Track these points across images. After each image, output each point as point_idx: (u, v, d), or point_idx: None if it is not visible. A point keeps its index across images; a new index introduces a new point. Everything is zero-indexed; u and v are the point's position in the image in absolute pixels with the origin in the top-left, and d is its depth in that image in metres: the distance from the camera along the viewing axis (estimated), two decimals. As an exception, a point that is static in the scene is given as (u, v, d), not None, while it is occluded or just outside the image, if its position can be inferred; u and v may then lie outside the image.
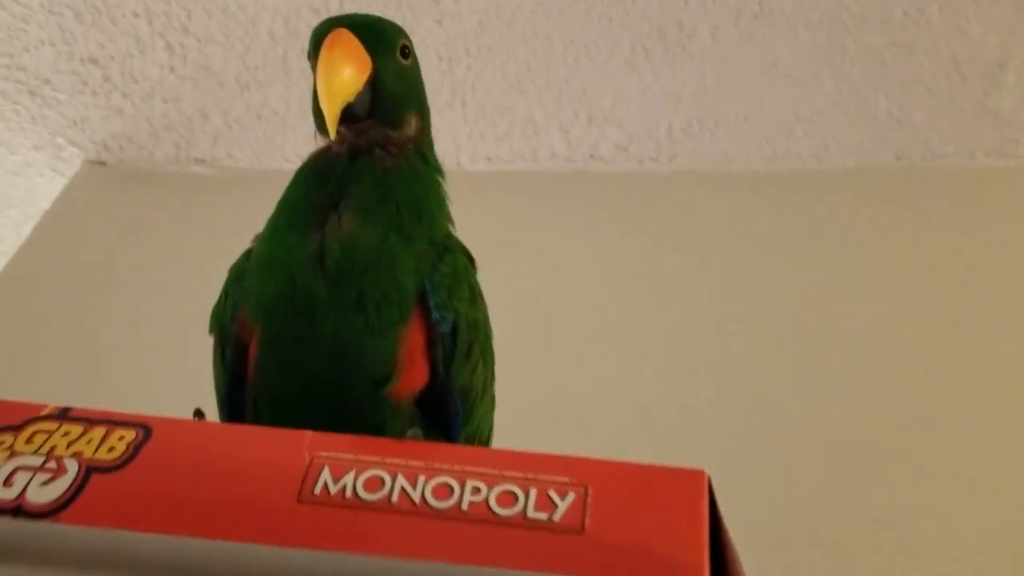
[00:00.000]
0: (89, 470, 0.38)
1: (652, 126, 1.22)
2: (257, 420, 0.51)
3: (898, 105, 1.18)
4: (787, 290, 1.13)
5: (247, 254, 0.55)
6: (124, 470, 0.38)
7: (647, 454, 0.40)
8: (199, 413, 0.49)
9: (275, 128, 1.28)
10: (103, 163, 1.36)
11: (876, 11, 1.08)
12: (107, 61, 1.22)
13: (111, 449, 0.39)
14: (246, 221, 0.56)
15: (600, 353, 1.08)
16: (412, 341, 0.51)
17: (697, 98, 1.18)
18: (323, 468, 0.38)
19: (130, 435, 0.40)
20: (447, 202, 0.56)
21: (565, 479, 0.38)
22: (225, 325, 0.54)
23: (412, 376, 0.51)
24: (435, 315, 0.51)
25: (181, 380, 0.69)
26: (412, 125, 0.54)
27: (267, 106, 1.26)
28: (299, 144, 1.29)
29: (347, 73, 0.48)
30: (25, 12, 1.17)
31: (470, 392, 0.55)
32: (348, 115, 0.49)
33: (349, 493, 0.37)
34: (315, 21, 1.20)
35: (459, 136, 1.26)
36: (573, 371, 1.05)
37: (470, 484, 0.38)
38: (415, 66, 0.55)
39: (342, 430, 0.42)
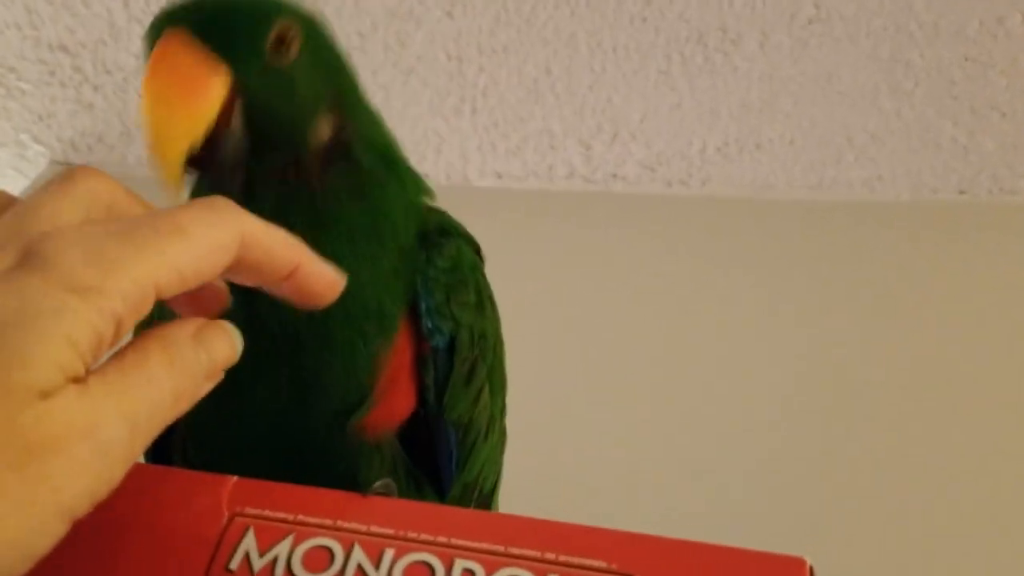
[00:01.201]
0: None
1: (684, 145, 1.09)
2: (186, 463, 0.41)
3: (966, 131, 1.05)
4: (828, 333, 1.04)
5: None
6: None
7: (683, 518, 0.29)
8: None
9: (261, 130, 1.15)
10: (70, 164, 1.23)
11: (949, 21, 0.95)
12: (78, 48, 1.10)
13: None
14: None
15: (617, 396, 1.00)
16: (396, 358, 0.39)
17: (737, 115, 1.05)
18: (246, 531, 0.29)
19: None
20: (412, 186, 0.42)
21: (602, 564, 0.27)
22: None
23: (393, 402, 0.39)
24: (427, 324, 0.40)
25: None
26: (325, 124, 0.38)
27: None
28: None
29: (179, 116, 0.33)
30: (-12, -11, 1.05)
31: (470, 428, 0.43)
32: (213, 157, 0.35)
33: (281, 571, 0.28)
34: (311, 8, 1.07)
35: (467, 147, 1.13)
36: (585, 416, 0.96)
37: (460, 566, 0.28)
38: (308, 58, 0.37)
39: (299, 478, 0.32)
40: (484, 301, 0.44)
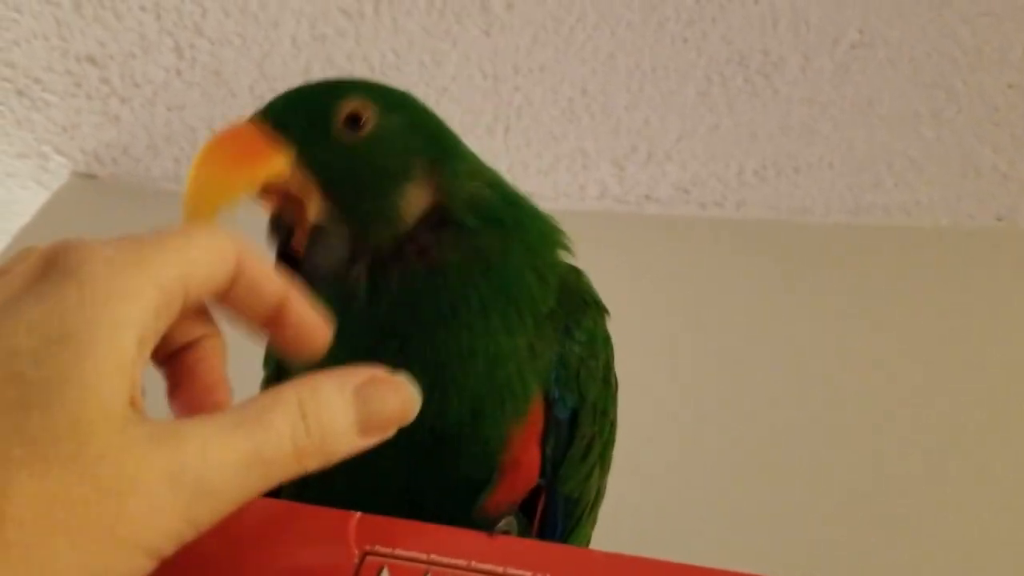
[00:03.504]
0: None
1: (720, 167, 1.08)
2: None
3: (1006, 159, 1.03)
4: (864, 358, 1.02)
5: None
6: None
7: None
8: None
9: (290, 147, 1.14)
10: (93, 176, 1.23)
11: (992, 47, 0.94)
12: (106, 61, 1.09)
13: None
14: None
15: (647, 420, 0.95)
16: (527, 430, 0.38)
17: (776, 138, 1.03)
18: (381, 572, 0.28)
19: None
20: (548, 238, 0.41)
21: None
22: (281, 367, 0.42)
23: (517, 479, 0.38)
24: (554, 393, 0.38)
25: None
26: (420, 194, 0.36)
27: (283, 121, 1.12)
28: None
29: (222, 174, 0.33)
30: (18, 1, 1.03)
31: (579, 502, 0.42)
32: (313, 256, 0.35)
33: (420, 613, 0.25)
34: (345, 26, 1.05)
35: (497, 166, 1.09)
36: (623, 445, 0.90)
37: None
38: (387, 131, 0.36)
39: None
40: (610, 377, 0.43)
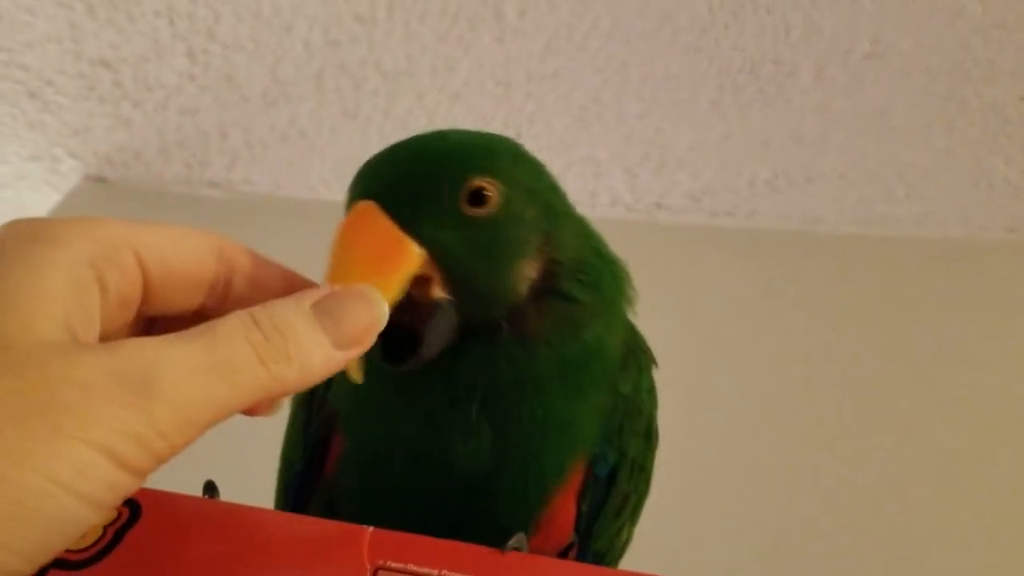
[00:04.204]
0: (47, 563, 0.26)
1: (732, 176, 1.08)
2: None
3: (1018, 170, 1.04)
4: (874, 369, 1.02)
5: None
6: (97, 566, 0.28)
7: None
8: (211, 488, 0.36)
9: (301, 151, 1.14)
10: (104, 179, 1.23)
11: (1005, 59, 0.94)
12: (119, 64, 1.09)
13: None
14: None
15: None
16: (566, 489, 0.37)
17: (788, 148, 1.04)
18: None
19: (109, 515, 0.29)
20: (625, 296, 0.40)
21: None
22: (317, 393, 0.40)
23: (551, 535, 0.37)
24: (595, 450, 0.37)
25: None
26: (534, 265, 0.35)
27: (294, 126, 1.12)
28: (326, 171, 1.15)
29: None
30: (32, 3, 1.04)
31: (606, 556, 0.41)
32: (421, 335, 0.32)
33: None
34: (358, 32, 1.05)
35: (509, 174, 1.11)
36: None
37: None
38: (512, 207, 0.34)
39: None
40: (652, 432, 0.42)
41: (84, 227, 0.25)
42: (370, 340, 0.27)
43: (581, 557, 0.38)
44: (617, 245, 1.23)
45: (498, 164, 0.35)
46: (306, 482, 0.40)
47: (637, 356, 0.40)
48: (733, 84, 0.99)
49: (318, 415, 0.39)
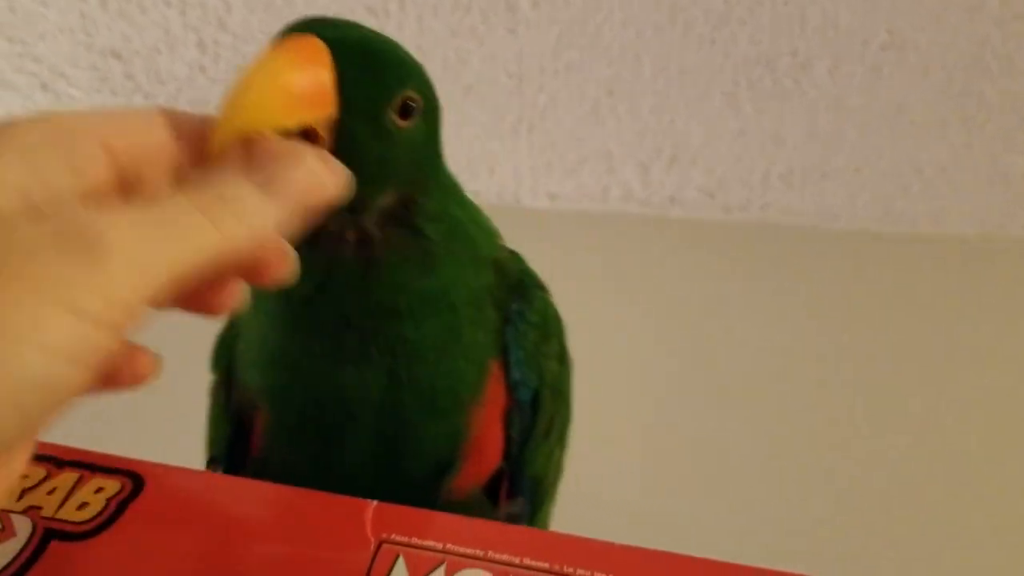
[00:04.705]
0: (48, 534, 0.28)
1: (746, 171, 1.07)
2: None
3: (1036, 166, 1.02)
4: (890, 366, 1.00)
5: (230, 326, 0.43)
6: (98, 539, 0.28)
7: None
8: (214, 460, 0.39)
9: (312, 144, 1.14)
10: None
11: (1024, 54, 0.93)
12: (131, 56, 1.09)
13: (83, 506, 0.29)
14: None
15: (669, 422, 0.96)
16: (487, 413, 0.38)
17: (803, 142, 1.03)
18: (396, 560, 0.27)
19: (112, 487, 0.30)
20: (483, 242, 0.40)
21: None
22: (231, 370, 0.41)
23: (481, 460, 0.39)
24: (515, 376, 0.38)
25: (185, 416, 0.53)
26: (387, 201, 0.35)
27: (306, 119, 1.12)
28: (338, 164, 1.14)
29: (282, 91, 0.29)
30: (44, -6, 1.04)
31: (542, 482, 0.42)
32: None
33: (438, 603, 0.26)
34: (370, 23, 1.06)
35: (521, 167, 1.11)
36: (636, 441, 0.93)
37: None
38: (422, 132, 0.35)
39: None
40: (564, 355, 0.43)
41: (42, 117, 0.24)
42: (310, 198, 0.26)
43: (516, 484, 0.39)
44: (630, 240, 1.22)
45: (428, 88, 0.35)
46: (232, 469, 0.41)
47: (537, 288, 0.41)
48: (748, 78, 0.98)
49: (234, 402, 0.40)
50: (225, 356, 0.42)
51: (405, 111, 0.33)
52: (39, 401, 0.21)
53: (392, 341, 0.35)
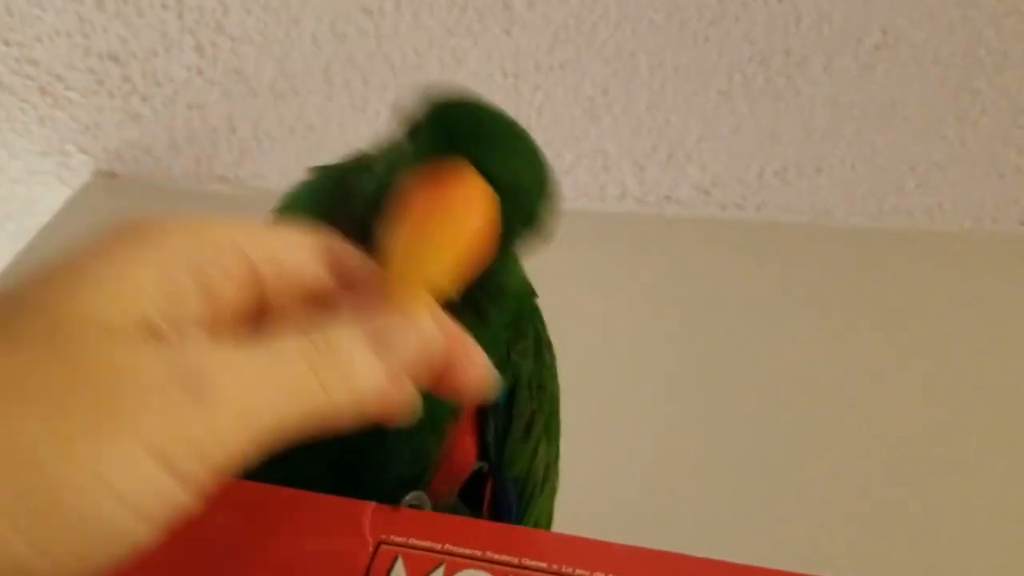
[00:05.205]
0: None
1: (742, 168, 1.07)
2: None
3: (1031, 161, 1.02)
4: (886, 362, 1.01)
5: None
6: None
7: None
8: None
9: (310, 146, 1.14)
10: (114, 174, 1.23)
11: (1018, 49, 0.93)
12: (128, 58, 1.09)
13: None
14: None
15: (664, 420, 0.96)
16: (460, 419, 0.38)
17: (798, 139, 1.03)
18: (395, 561, 0.27)
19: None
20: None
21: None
22: None
23: (452, 465, 0.38)
24: None
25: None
26: None
27: (302, 120, 1.12)
28: (335, 165, 1.14)
29: (451, 265, 0.28)
30: (41, -3, 1.04)
31: (527, 481, 0.41)
32: None
33: (437, 604, 0.25)
34: (366, 24, 1.05)
35: (517, 167, 1.10)
36: (630, 439, 0.91)
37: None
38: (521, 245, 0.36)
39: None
40: (542, 348, 0.42)
41: (189, 227, 0.23)
42: (419, 369, 0.26)
43: (499, 487, 0.39)
44: (626, 238, 1.23)
45: (551, 206, 0.36)
46: None
47: (512, 290, 0.40)
48: (743, 75, 0.98)
49: None
50: None
51: (529, 236, 0.35)
52: (92, 544, 0.19)
53: None
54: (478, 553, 0.28)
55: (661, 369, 1.01)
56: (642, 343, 1.03)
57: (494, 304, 0.36)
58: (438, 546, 0.28)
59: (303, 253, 0.25)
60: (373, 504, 0.29)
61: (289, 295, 0.25)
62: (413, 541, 0.28)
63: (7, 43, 1.07)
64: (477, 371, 0.27)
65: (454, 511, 0.38)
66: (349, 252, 0.27)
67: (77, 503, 0.19)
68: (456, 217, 0.28)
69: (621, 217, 1.14)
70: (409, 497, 0.32)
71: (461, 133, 0.31)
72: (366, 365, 0.24)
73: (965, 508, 0.89)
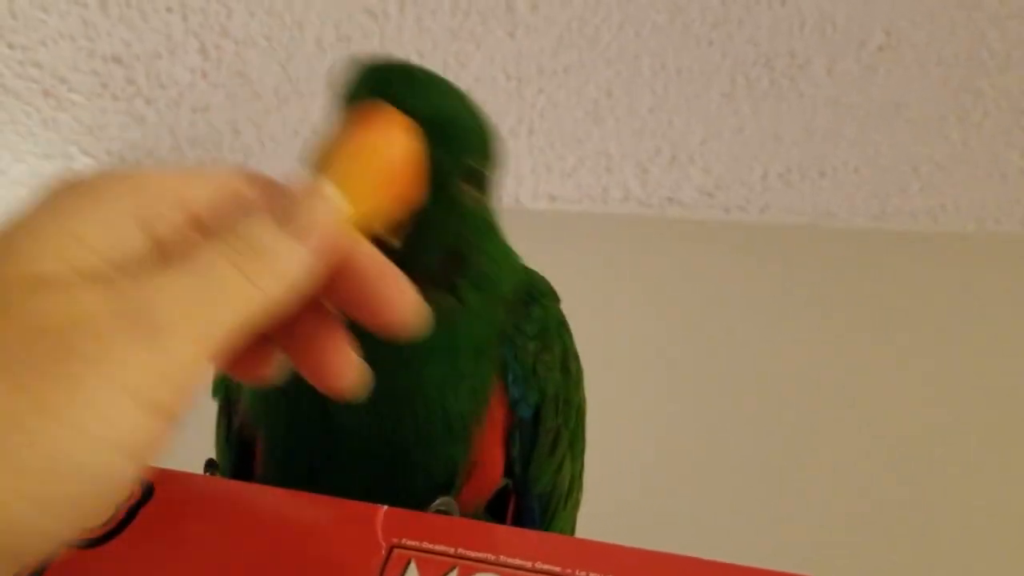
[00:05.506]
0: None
1: (744, 170, 1.07)
2: None
3: (1034, 163, 1.02)
4: (890, 363, 1.01)
5: None
6: (109, 544, 0.28)
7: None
8: (211, 465, 0.37)
9: (313, 148, 1.14)
10: (118, 176, 1.22)
11: (1021, 51, 0.93)
12: (132, 61, 1.09)
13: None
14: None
15: (668, 420, 0.97)
16: (487, 434, 0.37)
17: (801, 142, 1.03)
18: (408, 565, 0.27)
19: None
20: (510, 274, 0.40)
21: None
22: (231, 396, 0.41)
23: (481, 480, 0.37)
24: (513, 394, 0.37)
25: (194, 422, 0.53)
26: (437, 258, 0.36)
27: (306, 123, 1.12)
28: (339, 167, 1.15)
29: (389, 183, 0.30)
30: (45, 0, 1.04)
31: (552, 496, 0.41)
32: None
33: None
34: (370, 27, 1.05)
35: (521, 168, 1.11)
36: (633, 440, 0.91)
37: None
38: (484, 199, 0.36)
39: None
40: (569, 362, 0.42)
41: (123, 177, 0.24)
42: (332, 231, 0.25)
43: (524, 503, 0.38)
44: (629, 240, 1.23)
45: (494, 151, 0.36)
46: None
47: (540, 295, 0.40)
48: (746, 78, 0.98)
49: (235, 426, 0.40)
50: (223, 382, 0.42)
51: (473, 180, 0.34)
52: (91, 493, 0.20)
53: (391, 386, 0.34)
54: (491, 557, 0.28)
55: (664, 370, 1.01)
56: (645, 344, 1.03)
57: (476, 291, 0.36)
58: (451, 550, 0.28)
59: (230, 184, 0.26)
60: (385, 507, 0.29)
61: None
62: (426, 545, 0.28)
63: (11, 46, 1.07)
64: (406, 301, 0.26)
65: (453, 503, 0.38)
66: (271, 180, 0.27)
67: (70, 457, 0.19)
68: (373, 148, 0.29)
69: (624, 219, 1.14)
70: (437, 502, 0.32)
71: (380, 78, 0.32)
72: (286, 247, 0.24)
73: (965, 508, 0.89)
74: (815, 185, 1.07)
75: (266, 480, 0.38)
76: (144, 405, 0.20)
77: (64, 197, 0.23)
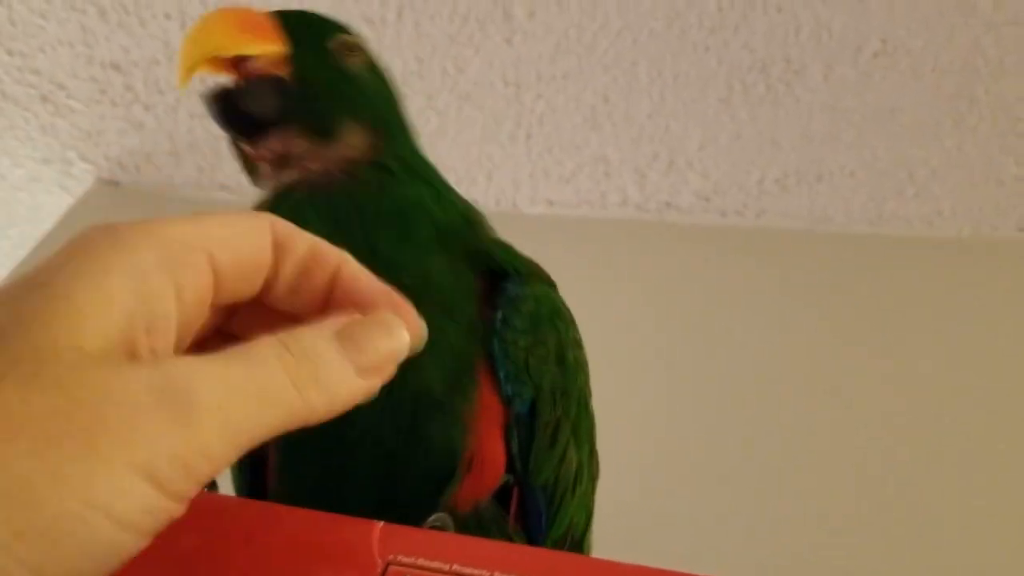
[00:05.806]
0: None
1: (742, 175, 1.07)
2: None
3: (1028, 168, 1.03)
4: (884, 369, 1.01)
5: None
6: None
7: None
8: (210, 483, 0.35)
9: (312, 153, 1.14)
10: (116, 183, 1.23)
11: (1015, 57, 0.94)
12: (130, 67, 1.09)
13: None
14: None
15: (665, 427, 0.96)
16: (483, 425, 0.37)
17: (798, 147, 1.03)
18: None
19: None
20: (449, 203, 0.42)
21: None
22: None
23: (483, 474, 0.37)
24: (507, 391, 0.37)
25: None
26: (356, 140, 0.40)
27: (305, 128, 1.12)
28: (337, 173, 1.15)
29: (235, 23, 0.38)
30: (44, 7, 1.05)
31: (556, 487, 0.40)
32: (247, 122, 0.38)
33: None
34: (368, 33, 1.06)
35: (519, 174, 1.11)
36: (632, 446, 0.91)
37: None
38: (369, 73, 0.42)
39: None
40: (565, 352, 0.41)
41: (151, 229, 0.24)
42: (392, 368, 0.27)
43: (528, 497, 0.39)
44: (627, 245, 1.22)
45: (364, 42, 0.42)
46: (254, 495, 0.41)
47: (531, 286, 0.40)
48: (743, 83, 0.99)
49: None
50: None
51: (348, 49, 0.41)
52: (90, 567, 0.20)
53: None
54: (487, 573, 0.27)
55: (662, 374, 1.01)
56: (643, 349, 1.03)
57: (399, 163, 0.40)
58: (447, 566, 0.28)
59: (255, 239, 0.27)
60: (381, 523, 0.29)
61: (245, 278, 0.27)
62: (422, 561, 0.28)
63: (10, 53, 1.07)
64: (413, 329, 0.28)
65: (490, 516, 0.38)
66: (294, 232, 0.28)
67: (74, 530, 0.19)
68: (222, 9, 0.37)
69: (622, 224, 1.15)
70: (432, 518, 0.32)
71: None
72: (341, 369, 0.25)
73: (964, 512, 0.89)
74: (812, 190, 1.08)
75: (280, 491, 0.38)
76: (161, 487, 0.21)
77: (95, 250, 0.23)
